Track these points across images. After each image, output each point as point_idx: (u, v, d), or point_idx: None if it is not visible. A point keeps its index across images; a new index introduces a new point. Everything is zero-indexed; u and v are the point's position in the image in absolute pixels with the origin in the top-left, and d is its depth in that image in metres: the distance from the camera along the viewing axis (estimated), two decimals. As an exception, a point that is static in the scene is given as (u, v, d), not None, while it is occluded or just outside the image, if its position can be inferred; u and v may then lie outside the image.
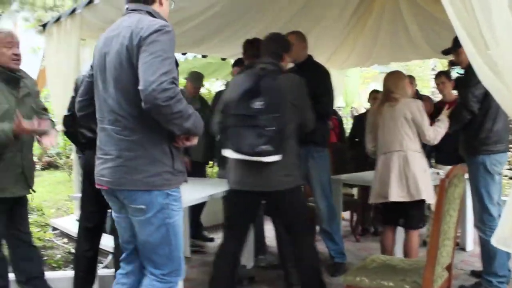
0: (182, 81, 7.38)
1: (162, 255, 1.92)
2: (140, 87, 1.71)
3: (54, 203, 5.70)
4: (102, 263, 3.52)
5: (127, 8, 1.96)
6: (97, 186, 1.97)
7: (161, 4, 1.98)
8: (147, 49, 1.74)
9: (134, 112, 1.81)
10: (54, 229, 4.60)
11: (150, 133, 1.84)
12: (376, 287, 2.17)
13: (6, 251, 2.95)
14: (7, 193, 2.69)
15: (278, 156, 2.49)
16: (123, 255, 2.10)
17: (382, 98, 3.20)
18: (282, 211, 2.79)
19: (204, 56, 5.89)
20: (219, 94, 4.19)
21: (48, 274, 3.21)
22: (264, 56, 2.79)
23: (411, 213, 3.04)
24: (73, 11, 3.80)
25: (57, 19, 4.04)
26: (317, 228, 3.86)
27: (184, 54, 6.44)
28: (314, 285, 2.75)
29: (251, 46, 3.34)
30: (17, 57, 2.69)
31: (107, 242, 3.35)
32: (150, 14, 1.90)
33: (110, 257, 3.63)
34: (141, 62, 1.74)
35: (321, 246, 3.57)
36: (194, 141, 1.95)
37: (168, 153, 1.88)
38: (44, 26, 4.34)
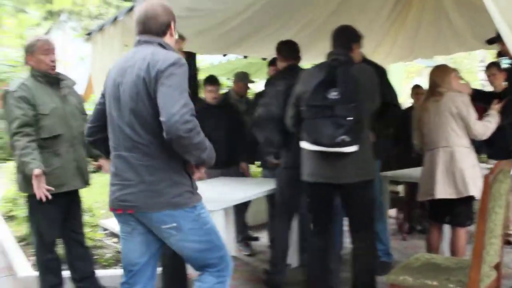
0: (225, 82, 7.47)
1: (213, 257, 2.03)
2: (162, 119, 1.79)
3: (104, 205, 5.92)
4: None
5: (139, 40, 2.04)
6: (115, 212, 2.04)
7: (171, 35, 2.09)
8: (165, 82, 1.83)
9: (153, 140, 1.91)
10: (104, 229, 4.79)
11: (169, 157, 1.92)
12: (419, 286, 2.13)
13: (61, 250, 3.11)
14: (66, 187, 2.86)
15: (356, 146, 2.49)
16: (124, 279, 2.13)
17: (427, 93, 3.13)
18: (349, 204, 2.77)
19: (245, 57, 5.94)
20: (259, 95, 4.20)
21: (99, 272, 3.37)
22: (335, 48, 2.80)
23: (458, 210, 2.96)
24: (115, 18, 3.93)
25: (101, 27, 4.18)
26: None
27: (224, 55, 6.55)
28: (367, 285, 2.72)
29: (285, 47, 3.36)
30: (53, 63, 2.90)
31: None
32: (162, 46, 2.00)
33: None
34: (160, 94, 1.83)
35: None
36: (202, 171, 2.08)
37: (186, 174, 1.99)
38: (89, 34, 4.51)
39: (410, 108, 5.00)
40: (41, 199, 2.65)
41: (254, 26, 4.41)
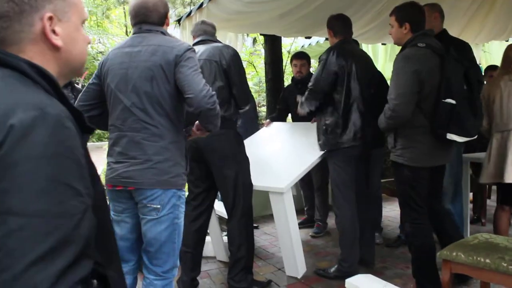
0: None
1: (165, 252, 2.09)
2: (190, 95, 2.00)
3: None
4: (223, 230, 3.92)
5: (140, 28, 2.16)
6: (114, 188, 2.13)
7: (167, 25, 2.23)
8: (186, 64, 2.03)
9: (163, 122, 2.06)
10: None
11: (175, 138, 2.09)
12: (471, 263, 2.14)
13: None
14: None
15: None
16: None
17: (500, 71, 3.00)
18: (438, 181, 2.91)
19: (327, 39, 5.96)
20: None
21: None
22: (423, 28, 2.72)
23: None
24: (201, 5, 4.21)
25: (189, 14, 4.50)
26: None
27: (308, 37, 6.62)
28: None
29: (339, 22, 3.31)
30: None
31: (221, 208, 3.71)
32: (164, 34, 2.16)
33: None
34: (183, 76, 2.02)
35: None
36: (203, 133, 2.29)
37: (185, 156, 2.15)
38: (179, 21, 4.85)
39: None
40: None
41: (333, 9, 4.44)
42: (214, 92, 2.06)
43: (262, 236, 4.36)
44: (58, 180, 0.74)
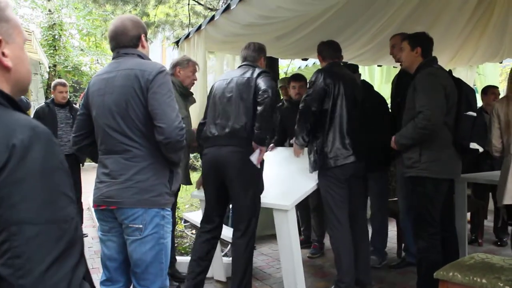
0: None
1: (152, 273, 2.08)
2: (161, 125, 1.98)
3: (188, 200, 6.37)
4: (222, 251, 3.91)
5: (117, 52, 2.17)
6: (96, 208, 2.16)
7: (143, 46, 2.20)
8: (159, 91, 2.02)
9: (143, 143, 2.06)
10: (185, 221, 5.19)
11: (157, 158, 2.08)
12: (468, 283, 2.14)
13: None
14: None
15: None
16: (104, 277, 2.21)
17: (508, 93, 3.04)
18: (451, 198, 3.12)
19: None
20: None
21: (178, 259, 3.71)
22: (430, 55, 3.02)
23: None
24: (199, 27, 4.27)
25: (187, 36, 4.56)
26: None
27: (305, 59, 6.69)
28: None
29: (327, 47, 3.41)
30: (193, 82, 3.55)
31: (227, 233, 3.72)
32: (140, 57, 2.15)
33: (229, 246, 4.02)
34: (157, 103, 2.01)
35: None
36: None
37: (169, 176, 2.13)
38: (177, 42, 4.92)
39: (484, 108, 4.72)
40: None
41: (330, 31, 4.51)
42: (184, 125, 2.07)
43: (259, 257, 4.34)
44: (58, 190, 0.83)
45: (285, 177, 3.62)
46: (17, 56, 0.96)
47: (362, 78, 4.36)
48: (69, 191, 0.85)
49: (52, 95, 5.09)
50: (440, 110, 2.77)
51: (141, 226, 2.03)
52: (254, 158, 2.89)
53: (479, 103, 7.48)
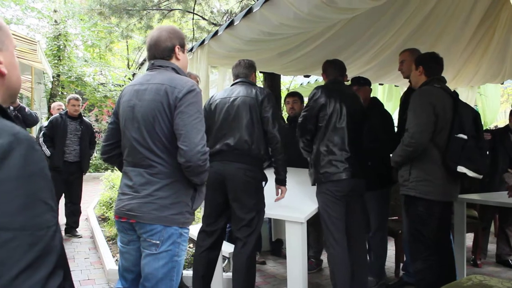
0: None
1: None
2: (184, 147, 1.93)
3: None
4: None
5: (152, 64, 2.13)
6: (120, 219, 2.12)
7: (177, 59, 2.15)
8: (187, 111, 1.95)
9: (168, 159, 2.02)
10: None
11: (182, 176, 2.03)
12: (465, 305, 2.12)
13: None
14: None
15: None
16: (120, 285, 2.20)
17: None
18: (447, 218, 3.04)
19: (326, 78, 6.06)
20: None
21: (185, 272, 3.71)
22: (439, 74, 3.05)
23: None
24: (203, 42, 4.31)
25: (191, 50, 4.60)
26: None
27: (307, 76, 6.73)
28: None
29: (332, 67, 3.42)
30: None
31: (226, 248, 3.70)
32: (175, 70, 2.10)
33: (226, 261, 3.99)
34: (181, 122, 1.95)
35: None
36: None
37: (191, 195, 2.08)
38: (181, 56, 4.94)
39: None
40: None
41: (332, 49, 4.56)
42: (207, 149, 2.00)
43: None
44: (35, 196, 0.81)
45: (298, 190, 3.63)
46: (9, 62, 0.98)
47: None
48: (48, 198, 0.83)
49: (66, 108, 5.64)
50: (424, 128, 2.79)
51: (158, 242, 2.00)
52: (277, 197, 3.13)
53: (489, 124, 7.57)
